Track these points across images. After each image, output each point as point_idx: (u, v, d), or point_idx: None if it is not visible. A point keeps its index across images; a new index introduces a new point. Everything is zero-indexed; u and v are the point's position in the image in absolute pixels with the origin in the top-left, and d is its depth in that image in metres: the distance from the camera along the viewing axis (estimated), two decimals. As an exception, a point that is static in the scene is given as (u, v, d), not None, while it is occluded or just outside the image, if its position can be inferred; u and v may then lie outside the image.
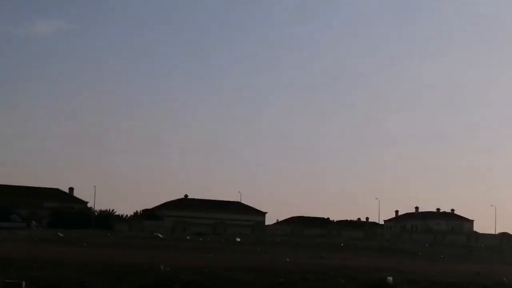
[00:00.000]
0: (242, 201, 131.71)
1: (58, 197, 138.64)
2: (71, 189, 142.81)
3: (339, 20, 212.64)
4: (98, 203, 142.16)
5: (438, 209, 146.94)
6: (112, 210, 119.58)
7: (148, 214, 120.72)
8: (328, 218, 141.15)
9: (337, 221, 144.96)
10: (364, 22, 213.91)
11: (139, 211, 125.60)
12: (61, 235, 72.55)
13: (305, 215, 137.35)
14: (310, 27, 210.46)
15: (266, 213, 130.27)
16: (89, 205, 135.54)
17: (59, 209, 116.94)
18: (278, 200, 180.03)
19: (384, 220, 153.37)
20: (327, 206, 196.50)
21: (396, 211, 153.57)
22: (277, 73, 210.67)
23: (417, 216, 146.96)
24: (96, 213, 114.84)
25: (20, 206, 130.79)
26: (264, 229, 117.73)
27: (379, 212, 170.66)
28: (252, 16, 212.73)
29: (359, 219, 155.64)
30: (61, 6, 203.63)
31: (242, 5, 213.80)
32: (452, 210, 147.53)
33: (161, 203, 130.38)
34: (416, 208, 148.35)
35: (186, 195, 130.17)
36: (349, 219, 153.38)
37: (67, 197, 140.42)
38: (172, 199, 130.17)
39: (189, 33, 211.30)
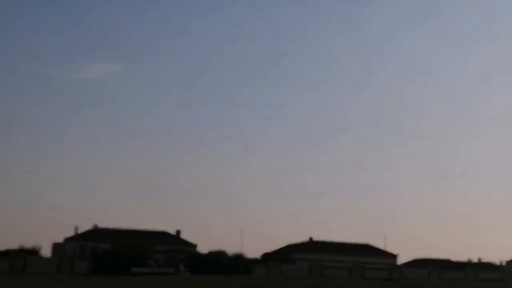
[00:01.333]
0: (371, 244, 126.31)
1: (167, 240, 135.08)
2: (178, 231, 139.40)
3: (398, 52, 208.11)
4: (209, 245, 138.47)
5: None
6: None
7: (278, 257, 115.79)
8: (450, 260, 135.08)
9: (454, 262, 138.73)
10: (427, 57, 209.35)
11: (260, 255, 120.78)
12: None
13: (427, 257, 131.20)
14: (368, 62, 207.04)
15: (397, 255, 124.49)
16: (200, 248, 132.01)
17: (193, 254, 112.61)
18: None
19: (507, 261, 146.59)
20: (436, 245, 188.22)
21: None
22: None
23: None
24: (229, 257, 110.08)
25: (130, 249, 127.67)
26: (401, 272, 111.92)
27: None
28: (306, 57, 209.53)
29: (470, 260, 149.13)
30: (112, 49, 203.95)
31: (293, 46, 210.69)
32: None
33: (284, 245, 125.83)
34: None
35: (311, 238, 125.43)
36: (458, 260, 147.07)
37: (176, 239, 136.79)
38: (296, 242, 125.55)
39: (238, 77, 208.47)
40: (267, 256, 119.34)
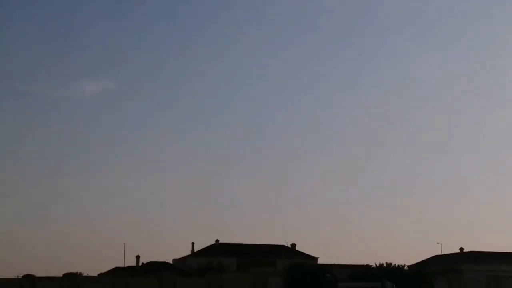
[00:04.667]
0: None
1: (287, 254, 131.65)
2: (293, 245, 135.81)
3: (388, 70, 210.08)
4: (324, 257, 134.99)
5: None
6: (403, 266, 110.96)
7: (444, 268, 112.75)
8: None
9: None
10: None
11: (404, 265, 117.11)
12: None
13: None
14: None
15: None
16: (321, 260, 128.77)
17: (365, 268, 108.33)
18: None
19: None
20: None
21: None
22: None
23: None
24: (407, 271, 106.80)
25: (254, 265, 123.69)
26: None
27: None
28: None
29: None
30: (106, 66, 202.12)
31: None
32: None
33: (430, 256, 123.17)
34: None
35: (461, 248, 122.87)
36: None
37: (296, 253, 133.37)
38: (445, 253, 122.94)
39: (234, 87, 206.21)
40: (414, 267, 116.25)
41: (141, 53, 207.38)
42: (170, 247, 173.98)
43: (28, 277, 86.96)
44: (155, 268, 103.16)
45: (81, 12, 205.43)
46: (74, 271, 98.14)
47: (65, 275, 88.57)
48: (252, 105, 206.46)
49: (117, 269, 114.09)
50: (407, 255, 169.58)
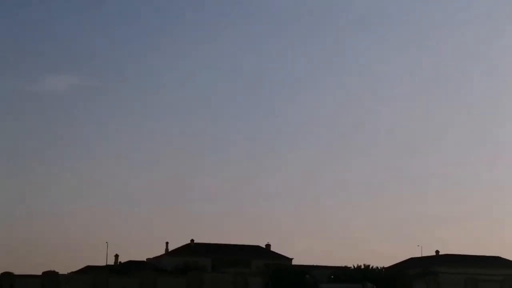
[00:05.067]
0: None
1: (262, 254, 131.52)
2: (267, 245, 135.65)
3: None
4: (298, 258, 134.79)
5: None
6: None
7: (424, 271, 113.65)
8: None
9: None
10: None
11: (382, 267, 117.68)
12: None
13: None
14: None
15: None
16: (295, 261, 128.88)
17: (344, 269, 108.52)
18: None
19: None
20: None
21: None
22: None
23: None
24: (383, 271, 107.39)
25: (229, 265, 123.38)
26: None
27: None
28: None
29: None
30: (73, 62, 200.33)
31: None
32: None
33: (405, 259, 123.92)
34: None
35: (437, 251, 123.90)
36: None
37: (270, 253, 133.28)
38: (420, 256, 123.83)
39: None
40: (391, 270, 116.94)
41: (107, 48, 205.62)
42: (143, 247, 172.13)
43: (7, 275, 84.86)
44: (133, 267, 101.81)
45: (46, 6, 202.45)
46: (48, 269, 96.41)
47: (44, 273, 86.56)
48: (224, 102, 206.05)
49: (89, 267, 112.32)
50: (382, 257, 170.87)
